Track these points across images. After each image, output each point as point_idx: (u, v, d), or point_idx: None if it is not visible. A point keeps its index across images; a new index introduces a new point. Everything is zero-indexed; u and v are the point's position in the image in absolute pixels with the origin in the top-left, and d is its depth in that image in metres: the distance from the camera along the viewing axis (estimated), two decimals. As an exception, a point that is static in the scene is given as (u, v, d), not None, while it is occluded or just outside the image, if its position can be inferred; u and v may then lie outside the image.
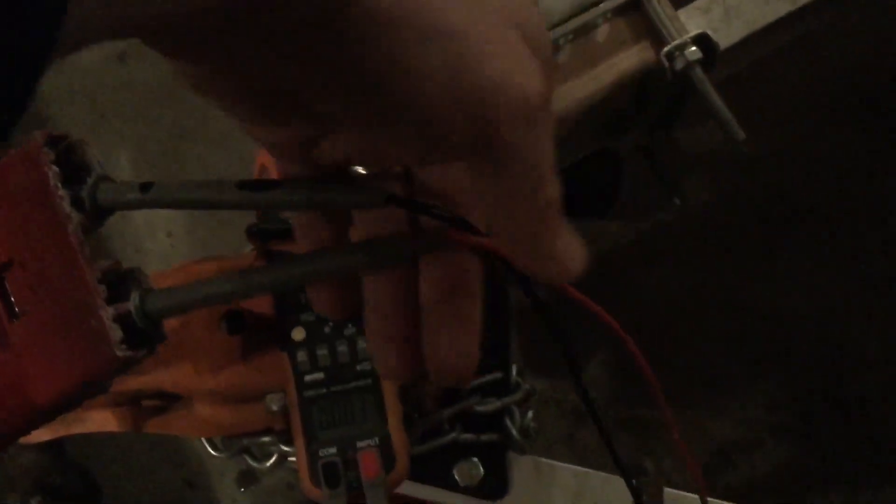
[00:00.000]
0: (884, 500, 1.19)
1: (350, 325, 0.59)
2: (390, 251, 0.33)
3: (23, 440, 0.70)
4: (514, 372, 0.70)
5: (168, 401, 0.66)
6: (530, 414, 0.71)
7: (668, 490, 0.70)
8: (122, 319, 0.40)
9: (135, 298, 0.38)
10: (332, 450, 0.57)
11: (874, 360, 1.26)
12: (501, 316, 0.70)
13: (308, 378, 0.59)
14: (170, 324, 0.63)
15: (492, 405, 0.68)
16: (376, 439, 0.58)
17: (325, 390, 0.59)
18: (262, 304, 0.61)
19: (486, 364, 0.69)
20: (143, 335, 0.40)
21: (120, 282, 0.41)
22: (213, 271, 0.65)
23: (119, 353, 0.41)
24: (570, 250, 0.32)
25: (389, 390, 0.59)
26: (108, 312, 0.41)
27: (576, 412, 1.25)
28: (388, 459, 0.57)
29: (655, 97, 0.73)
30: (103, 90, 1.47)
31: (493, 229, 0.31)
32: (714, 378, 1.21)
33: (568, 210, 0.81)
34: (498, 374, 0.69)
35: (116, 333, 0.42)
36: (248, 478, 1.24)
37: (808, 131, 1.36)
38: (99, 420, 0.67)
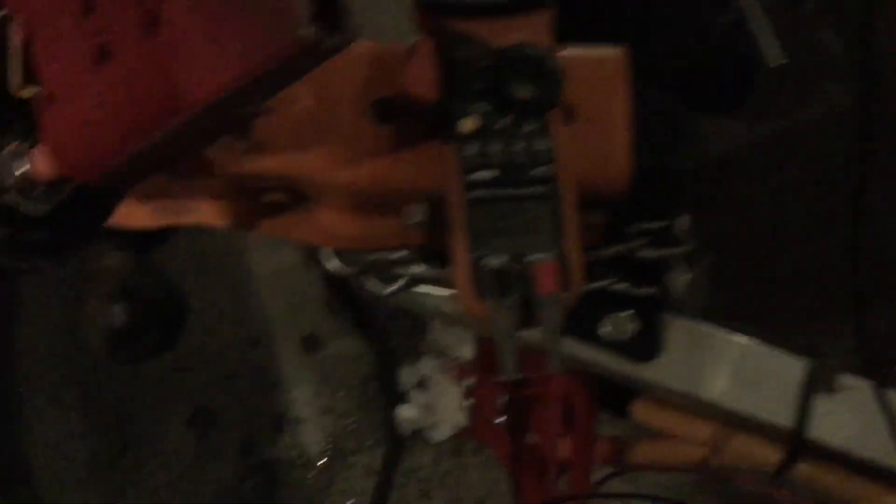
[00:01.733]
0: None
1: (530, 121, 0.50)
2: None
3: (126, 224, 0.62)
4: (683, 222, 0.61)
5: (292, 199, 0.58)
6: (690, 276, 0.62)
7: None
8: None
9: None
10: (500, 260, 0.49)
11: None
12: (672, 161, 0.61)
13: (476, 176, 0.50)
14: (307, 99, 0.55)
15: (657, 253, 0.59)
16: (551, 255, 0.49)
17: (494, 193, 0.50)
18: (424, 86, 0.52)
19: (653, 207, 0.60)
20: (335, 13, 0.32)
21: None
22: (370, 51, 0.55)
23: (306, 34, 0.32)
24: None
25: (569, 203, 0.50)
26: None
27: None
28: (562, 277, 0.48)
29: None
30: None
31: None
32: (815, 298, 1.12)
33: (686, 99, 0.68)
34: (664, 223, 0.60)
35: (304, 7, 0.32)
36: (313, 342, 1.17)
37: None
38: (210, 211, 0.59)
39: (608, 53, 0.55)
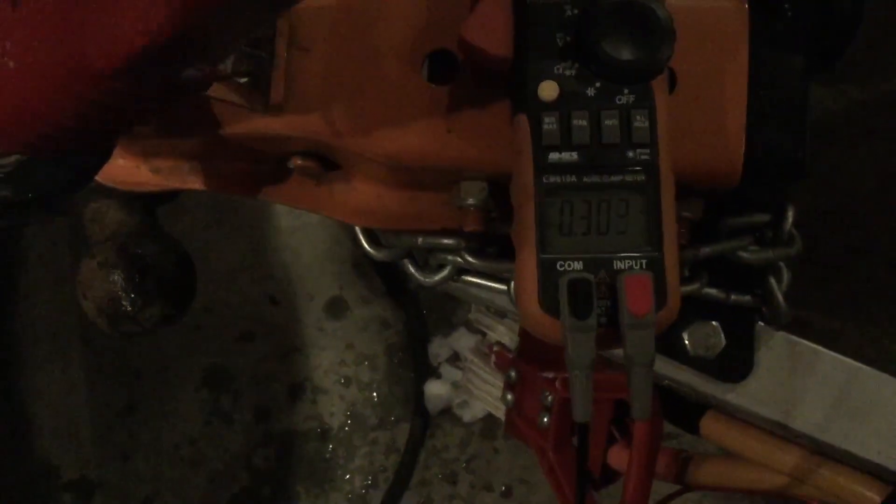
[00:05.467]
0: None
1: (626, 91, 0.40)
2: None
3: (128, 185, 0.53)
4: (789, 218, 0.50)
5: (321, 167, 0.48)
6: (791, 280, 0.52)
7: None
8: None
9: None
10: (579, 265, 0.39)
11: None
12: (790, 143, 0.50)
13: (554, 157, 0.40)
14: (345, 47, 0.44)
15: (760, 255, 0.49)
16: (643, 262, 0.39)
17: (575, 179, 0.40)
18: (491, 38, 0.41)
19: (758, 198, 0.50)
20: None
21: None
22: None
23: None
24: None
25: (669, 196, 0.40)
26: None
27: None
28: (657, 292, 0.38)
29: None
30: None
31: None
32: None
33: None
34: (765, 217, 0.50)
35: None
36: (338, 306, 1.08)
37: None
38: (223, 177, 0.50)
39: (726, 5, 0.44)
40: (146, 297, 0.61)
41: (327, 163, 0.48)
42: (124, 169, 0.50)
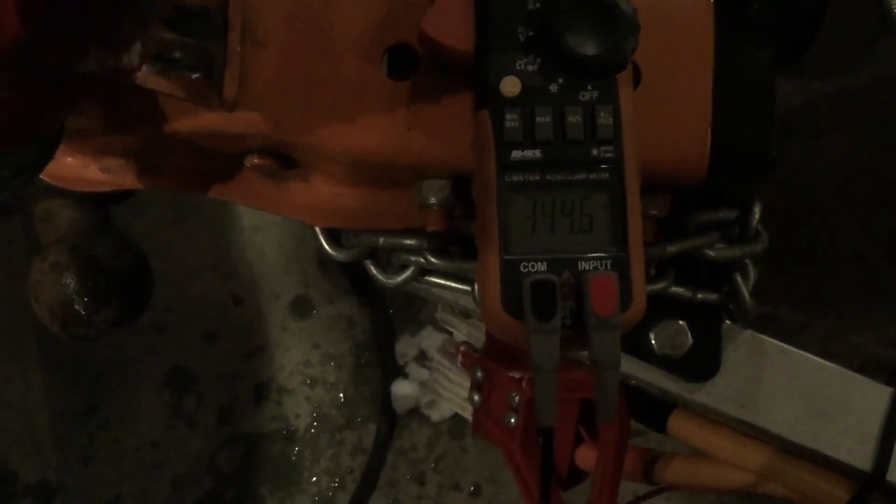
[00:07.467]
0: None
1: (590, 87, 0.39)
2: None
3: (77, 185, 0.51)
4: (755, 214, 0.50)
5: (279, 164, 0.46)
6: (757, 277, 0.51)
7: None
8: None
9: None
10: (542, 265, 0.38)
11: None
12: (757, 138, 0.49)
13: (516, 155, 0.39)
14: (301, 42, 0.42)
15: (727, 252, 0.48)
16: (608, 262, 0.38)
17: (538, 177, 0.39)
18: (452, 32, 0.40)
19: (725, 194, 0.49)
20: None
21: None
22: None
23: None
24: None
25: (634, 193, 0.39)
26: None
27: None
28: (622, 292, 0.37)
29: None
30: None
31: None
32: (874, 285, 1.01)
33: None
34: (732, 213, 0.49)
35: None
36: (303, 305, 1.07)
37: None
38: (177, 174, 0.48)
39: (691, -1, 0.43)
40: (100, 299, 0.59)
41: (285, 161, 0.46)
42: (74, 168, 0.48)
